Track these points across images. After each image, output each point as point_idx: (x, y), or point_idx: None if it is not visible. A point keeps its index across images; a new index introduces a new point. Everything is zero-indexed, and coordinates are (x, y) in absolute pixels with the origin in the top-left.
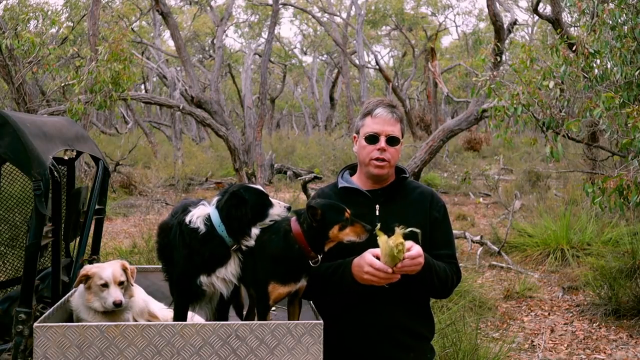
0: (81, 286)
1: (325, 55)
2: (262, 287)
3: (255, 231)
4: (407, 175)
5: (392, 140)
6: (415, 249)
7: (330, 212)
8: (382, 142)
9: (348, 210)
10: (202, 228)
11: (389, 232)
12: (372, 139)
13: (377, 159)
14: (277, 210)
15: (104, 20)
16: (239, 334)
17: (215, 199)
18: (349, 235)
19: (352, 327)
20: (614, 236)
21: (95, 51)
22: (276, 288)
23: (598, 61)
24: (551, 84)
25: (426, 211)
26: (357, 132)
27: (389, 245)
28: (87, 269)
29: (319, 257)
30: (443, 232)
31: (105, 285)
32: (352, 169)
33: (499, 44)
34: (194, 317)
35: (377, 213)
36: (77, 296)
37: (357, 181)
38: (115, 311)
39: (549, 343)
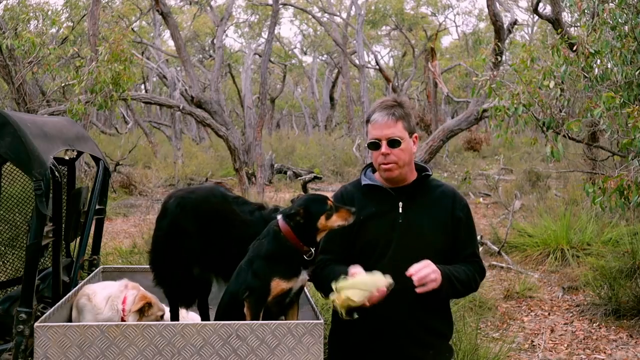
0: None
1: (325, 55)
2: (264, 282)
3: None
4: (430, 174)
5: (393, 143)
6: (423, 270)
7: (313, 205)
8: (384, 147)
9: (330, 199)
10: None
11: (410, 229)
12: (374, 145)
13: (383, 164)
14: None
15: (104, 20)
16: (240, 333)
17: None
18: (336, 221)
19: (372, 323)
20: (614, 236)
21: (95, 51)
22: (279, 284)
23: (598, 61)
24: (551, 84)
25: (449, 210)
26: None
27: (336, 303)
28: (148, 296)
29: (312, 250)
30: (467, 231)
31: (162, 317)
32: None
33: (499, 44)
34: (189, 315)
35: (400, 210)
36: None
37: (379, 178)
38: None
39: (549, 343)
